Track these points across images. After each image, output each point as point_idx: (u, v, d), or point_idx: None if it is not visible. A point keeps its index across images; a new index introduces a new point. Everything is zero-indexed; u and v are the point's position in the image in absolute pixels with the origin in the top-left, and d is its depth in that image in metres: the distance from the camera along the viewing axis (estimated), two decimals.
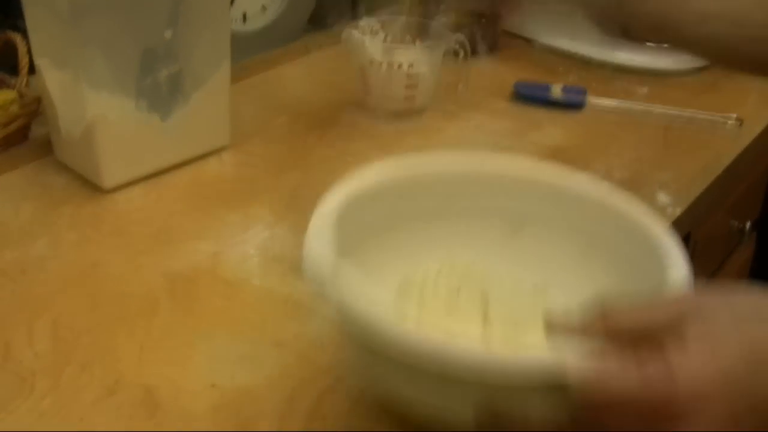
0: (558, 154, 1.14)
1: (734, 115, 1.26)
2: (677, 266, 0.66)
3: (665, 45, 1.38)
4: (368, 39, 1.20)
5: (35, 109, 1.12)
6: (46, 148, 1.09)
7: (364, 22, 1.23)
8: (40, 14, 1.00)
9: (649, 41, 1.19)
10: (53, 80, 1.04)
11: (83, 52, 0.96)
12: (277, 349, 0.79)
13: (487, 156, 0.81)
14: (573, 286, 0.75)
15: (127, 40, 0.99)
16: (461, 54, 1.23)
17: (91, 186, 1.03)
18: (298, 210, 0.99)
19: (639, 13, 0.93)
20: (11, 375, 0.76)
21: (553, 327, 0.59)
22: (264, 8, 1.42)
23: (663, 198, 1.06)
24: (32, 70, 1.10)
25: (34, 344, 0.79)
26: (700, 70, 1.42)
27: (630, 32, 0.96)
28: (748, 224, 1.52)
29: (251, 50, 1.35)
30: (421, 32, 1.25)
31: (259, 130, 1.18)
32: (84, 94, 0.98)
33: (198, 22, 1.04)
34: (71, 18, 0.94)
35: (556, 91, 1.28)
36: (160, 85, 1.04)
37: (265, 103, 1.26)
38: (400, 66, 1.17)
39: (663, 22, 0.92)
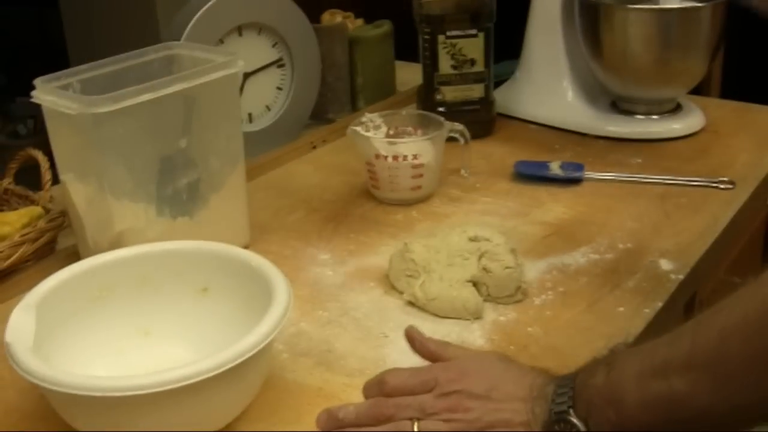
0: (561, 230, 1.19)
1: (726, 178, 1.31)
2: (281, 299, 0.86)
3: (654, 116, 1.46)
4: (372, 134, 1.26)
5: (61, 222, 1.17)
6: (73, 259, 1.11)
7: (366, 118, 1.29)
8: (62, 128, 1.06)
9: None
10: (78, 194, 1.09)
11: (104, 163, 1.02)
12: None
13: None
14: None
15: (145, 150, 1.05)
16: (462, 141, 1.28)
17: None
18: (320, 305, 1.04)
19: None
20: None
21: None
22: (268, 108, 1.48)
23: (666, 265, 1.10)
24: (54, 181, 1.16)
25: None
26: (690, 136, 1.47)
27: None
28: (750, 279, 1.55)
29: (258, 148, 1.40)
30: (421, 123, 1.30)
31: (276, 227, 1.23)
32: (109, 206, 1.04)
33: (211, 128, 1.10)
34: (92, 128, 0.99)
35: (555, 168, 1.33)
36: (180, 193, 1.09)
37: (279, 200, 1.31)
38: (405, 158, 1.23)
39: None
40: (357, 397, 0.88)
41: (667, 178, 1.32)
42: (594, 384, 0.75)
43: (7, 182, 1.25)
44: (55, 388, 0.76)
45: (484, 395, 0.79)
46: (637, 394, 0.72)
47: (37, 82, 1.04)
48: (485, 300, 1.03)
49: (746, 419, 0.72)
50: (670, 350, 0.73)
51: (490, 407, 0.78)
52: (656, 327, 1.00)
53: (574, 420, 0.74)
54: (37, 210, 1.19)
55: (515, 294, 1.03)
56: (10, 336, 0.83)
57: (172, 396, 0.76)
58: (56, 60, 1.50)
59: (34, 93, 1.04)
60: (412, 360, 0.92)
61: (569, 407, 0.75)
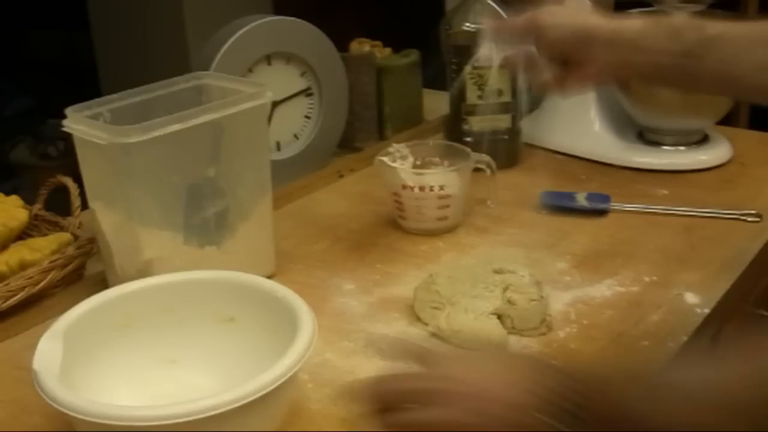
0: (587, 262, 1.19)
1: (753, 210, 1.30)
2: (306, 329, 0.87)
3: (681, 147, 1.45)
4: (399, 164, 1.26)
5: (90, 249, 1.19)
6: (101, 286, 1.12)
7: (393, 148, 1.29)
8: (92, 157, 1.07)
9: (710, 93, 1.26)
10: (107, 221, 1.11)
11: (133, 192, 1.04)
12: None
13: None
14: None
15: (173, 179, 1.07)
16: (488, 172, 1.29)
17: None
18: (345, 335, 1.05)
19: (699, 70, 0.98)
20: None
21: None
22: (296, 137, 1.49)
23: (691, 298, 1.11)
24: (83, 207, 1.17)
25: None
26: (717, 167, 1.47)
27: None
28: None
29: (286, 177, 1.41)
30: (448, 153, 1.31)
31: (302, 257, 1.24)
32: (137, 234, 1.05)
33: (240, 157, 1.11)
34: (121, 158, 1.01)
35: (581, 199, 1.34)
36: (208, 222, 1.10)
37: (305, 229, 1.32)
38: (431, 188, 1.23)
39: (723, 76, 0.98)
40: (380, 427, 0.88)
41: (693, 210, 1.32)
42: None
43: (37, 208, 1.27)
44: (80, 416, 0.78)
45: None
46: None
47: (69, 111, 1.06)
48: (510, 332, 1.03)
49: None
50: None
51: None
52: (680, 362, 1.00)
53: None
54: (66, 236, 1.21)
55: (540, 326, 1.04)
56: (37, 363, 0.84)
57: (195, 426, 0.77)
58: (86, 82, 1.52)
59: (65, 122, 1.06)
60: None
61: None
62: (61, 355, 0.86)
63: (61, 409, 0.79)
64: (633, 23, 1.02)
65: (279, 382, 0.80)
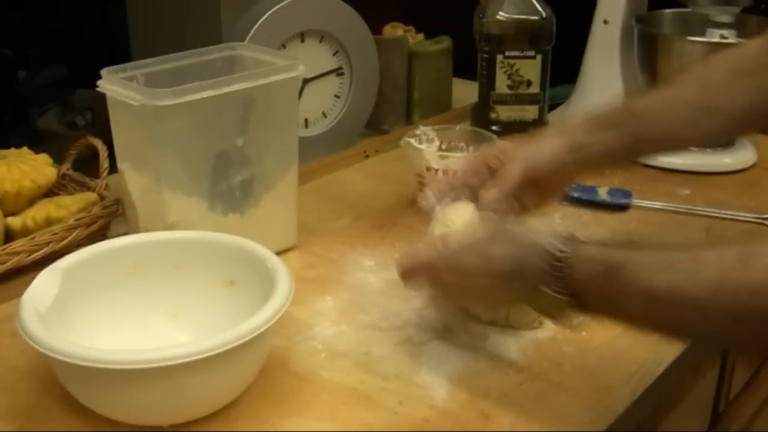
0: None
1: None
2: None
3: (707, 149, 1.46)
4: (425, 147, 1.27)
5: (115, 210, 1.20)
6: None
7: (420, 131, 1.30)
8: (124, 118, 1.09)
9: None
10: (134, 183, 1.12)
11: (162, 155, 1.05)
12: None
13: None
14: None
15: (202, 145, 1.08)
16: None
17: None
18: (362, 309, 1.06)
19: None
20: None
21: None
22: (324, 115, 1.50)
23: None
24: (111, 171, 1.19)
25: None
26: (740, 171, 1.48)
27: None
28: None
29: (312, 154, 1.42)
30: (473, 139, 1.31)
31: (324, 231, 1.25)
32: (163, 197, 1.07)
33: (268, 128, 1.13)
34: (152, 120, 1.02)
35: (603, 193, 1.34)
36: (233, 190, 1.12)
37: (328, 205, 1.33)
38: (455, 173, 1.24)
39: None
40: (391, 399, 0.90)
41: (714, 211, 1.32)
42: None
43: (66, 168, 1.28)
44: (36, 347, 0.80)
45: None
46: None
47: (104, 72, 1.08)
48: (503, 325, 1.03)
49: None
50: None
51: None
52: (690, 355, 1.01)
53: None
54: (92, 196, 1.22)
55: (533, 322, 1.03)
56: (26, 295, 0.87)
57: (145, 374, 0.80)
58: (118, 53, 1.53)
59: (99, 82, 1.07)
60: (447, 366, 0.95)
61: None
62: (57, 290, 0.89)
63: (25, 338, 0.81)
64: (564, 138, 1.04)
65: (234, 344, 0.81)
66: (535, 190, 1.04)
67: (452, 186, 1.08)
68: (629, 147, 1.05)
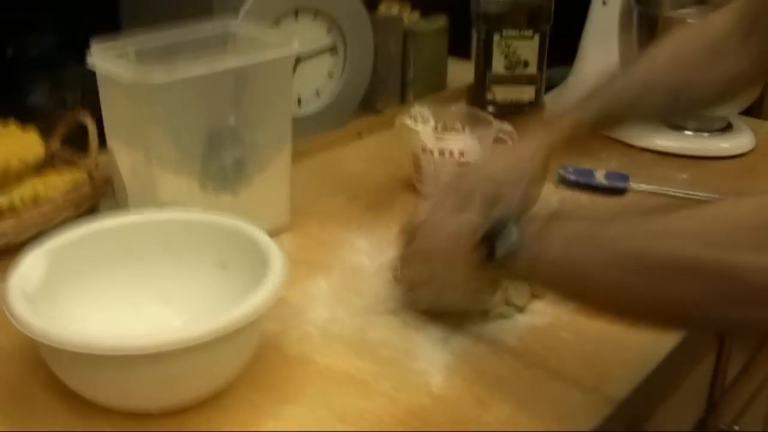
0: None
1: None
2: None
3: (704, 133, 1.44)
4: (420, 127, 1.25)
5: (105, 190, 1.18)
6: None
7: (416, 110, 1.28)
8: (115, 95, 1.06)
9: None
10: (125, 162, 1.10)
11: (153, 133, 1.03)
12: (341, 424, 0.84)
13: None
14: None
15: (193, 124, 1.06)
16: (509, 142, 1.27)
17: None
18: (356, 293, 1.04)
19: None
20: None
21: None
22: (318, 93, 1.48)
23: None
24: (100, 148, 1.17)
25: None
26: (738, 156, 1.46)
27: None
28: None
29: (305, 132, 1.40)
30: (470, 120, 1.30)
31: (317, 212, 1.23)
32: (154, 176, 1.05)
33: (261, 107, 1.11)
34: (144, 98, 1.00)
35: (600, 176, 1.33)
36: (225, 169, 1.10)
37: (322, 185, 1.32)
38: (451, 153, 1.22)
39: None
40: (386, 385, 0.89)
41: (712, 196, 1.30)
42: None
43: (54, 145, 1.26)
44: (25, 331, 0.79)
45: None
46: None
47: (94, 46, 1.05)
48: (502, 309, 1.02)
49: None
50: None
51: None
52: (689, 343, 1.00)
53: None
54: (82, 175, 1.20)
55: (527, 305, 1.03)
56: (14, 276, 0.85)
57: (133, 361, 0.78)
58: (108, 27, 1.50)
59: (89, 58, 1.04)
60: (443, 352, 0.93)
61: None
62: (44, 270, 0.88)
63: (13, 321, 0.80)
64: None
65: (227, 330, 0.79)
66: None
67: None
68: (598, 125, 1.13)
